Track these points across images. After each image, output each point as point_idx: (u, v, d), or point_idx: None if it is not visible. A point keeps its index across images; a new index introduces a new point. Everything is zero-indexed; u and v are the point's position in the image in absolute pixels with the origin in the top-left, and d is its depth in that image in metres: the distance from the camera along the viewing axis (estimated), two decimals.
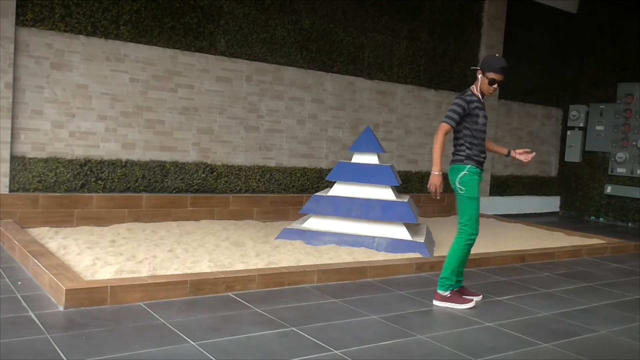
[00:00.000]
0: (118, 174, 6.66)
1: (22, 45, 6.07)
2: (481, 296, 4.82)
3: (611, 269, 6.59)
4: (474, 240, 4.60)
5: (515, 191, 10.77)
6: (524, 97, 10.77)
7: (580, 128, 11.14)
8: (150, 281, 4.20)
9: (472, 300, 4.63)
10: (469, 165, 4.54)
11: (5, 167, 6.03)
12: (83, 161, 6.46)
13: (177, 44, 6.94)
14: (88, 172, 6.49)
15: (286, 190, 7.90)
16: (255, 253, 5.52)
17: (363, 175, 6.34)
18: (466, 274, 5.76)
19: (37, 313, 3.74)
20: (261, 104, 7.68)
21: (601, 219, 10.88)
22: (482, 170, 4.63)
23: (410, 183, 9.12)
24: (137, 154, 6.83)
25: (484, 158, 4.65)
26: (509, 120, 10.62)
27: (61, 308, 3.85)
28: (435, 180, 4.53)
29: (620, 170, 10.52)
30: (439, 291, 4.61)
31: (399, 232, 6.16)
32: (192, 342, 3.44)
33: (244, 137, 7.58)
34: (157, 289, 4.17)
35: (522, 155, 4.85)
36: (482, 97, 4.63)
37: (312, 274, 4.94)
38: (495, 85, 4.55)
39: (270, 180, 7.76)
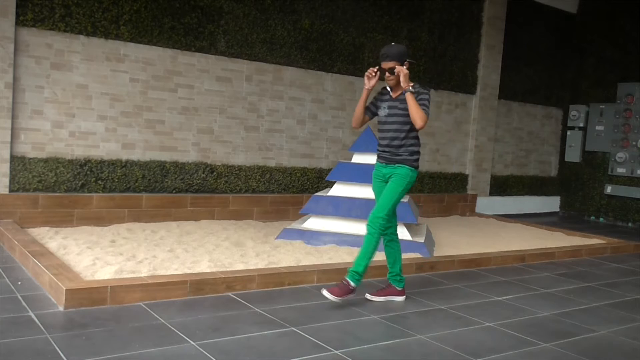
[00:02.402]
0: (118, 174, 6.66)
1: (22, 45, 6.07)
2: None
3: (611, 269, 6.59)
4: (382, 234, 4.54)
5: (515, 191, 10.77)
6: (524, 97, 10.77)
7: (580, 128, 11.14)
8: (150, 281, 4.20)
9: (380, 297, 4.60)
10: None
11: (5, 167, 6.03)
12: (83, 161, 6.45)
13: (177, 44, 6.94)
14: (88, 172, 6.49)
15: (286, 190, 7.90)
16: (255, 253, 5.52)
17: (363, 175, 6.33)
18: (467, 273, 5.78)
19: (37, 313, 3.74)
20: (261, 104, 7.68)
21: (601, 219, 10.88)
22: (384, 164, 4.50)
23: None
24: (137, 154, 6.83)
25: (382, 150, 4.50)
26: (509, 120, 10.62)
27: (61, 308, 3.85)
28: None
29: (620, 170, 10.52)
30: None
31: (399, 232, 6.12)
32: (192, 342, 3.44)
33: (244, 137, 7.58)
34: (157, 289, 4.17)
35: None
36: (396, 89, 4.45)
37: (312, 274, 4.94)
38: (387, 74, 4.36)
39: (270, 180, 7.76)
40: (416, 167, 4.49)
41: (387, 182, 4.52)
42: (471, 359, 3.53)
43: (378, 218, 4.41)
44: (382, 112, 4.50)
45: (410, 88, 4.31)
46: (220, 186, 7.37)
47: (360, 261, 4.40)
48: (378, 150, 4.57)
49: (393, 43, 4.51)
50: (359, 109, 4.54)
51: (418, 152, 4.48)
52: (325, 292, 4.32)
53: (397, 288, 4.63)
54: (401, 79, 4.30)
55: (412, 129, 4.41)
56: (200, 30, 7.07)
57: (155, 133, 6.93)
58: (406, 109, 4.36)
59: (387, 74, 4.37)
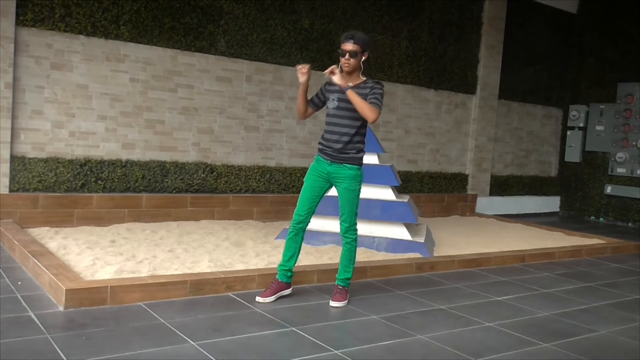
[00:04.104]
0: (118, 174, 6.66)
1: (22, 45, 6.07)
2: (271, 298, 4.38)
3: (611, 269, 6.59)
4: (292, 225, 4.38)
5: (515, 191, 10.77)
6: (524, 97, 10.77)
7: (580, 128, 11.14)
8: (150, 281, 4.20)
9: (270, 297, 4.35)
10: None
11: (5, 167, 6.03)
12: (83, 161, 6.45)
13: (177, 44, 6.94)
14: (88, 172, 6.49)
15: (286, 190, 7.90)
16: (255, 253, 5.52)
17: (363, 175, 6.32)
18: (467, 273, 5.78)
19: (37, 313, 3.74)
20: (261, 104, 7.68)
21: (601, 219, 10.88)
22: (329, 161, 4.32)
23: (410, 183, 9.13)
24: (137, 154, 6.83)
25: (328, 146, 4.31)
26: (509, 120, 10.62)
27: (61, 308, 3.85)
28: None
29: (620, 170, 10.52)
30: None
31: (399, 232, 6.16)
32: (192, 342, 3.44)
33: (244, 137, 7.58)
34: (157, 289, 4.17)
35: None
36: (347, 80, 4.25)
37: (312, 274, 4.94)
38: (347, 56, 4.18)
39: (270, 180, 7.76)
40: (362, 164, 4.39)
41: (328, 181, 4.38)
42: (471, 359, 3.53)
43: (352, 226, 4.43)
44: (331, 104, 4.30)
45: (350, 84, 4.18)
46: (220, 186, 7.37)
47: (348, 267, 4.48)
48: (322, 145, 4.35)
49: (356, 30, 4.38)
50: (300, 102, 4.36)
51: (363, 150, 4.39)
52: (334, 304, 4.38)
53: (284, 282, 4.46)
54: (335, 80, 4.13)
55: (362, 125, 4.30)
56: (200, 30, 7.07)
57: (155, 133, 6.93)
58: None
59: (347, 55, 4.18)
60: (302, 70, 4.24)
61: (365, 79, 4.31)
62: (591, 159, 11.04)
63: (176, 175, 7.04)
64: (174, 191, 7.04)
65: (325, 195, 4.51)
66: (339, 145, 4.29)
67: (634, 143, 10.33)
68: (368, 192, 6.34)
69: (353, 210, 4.40)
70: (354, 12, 8.31)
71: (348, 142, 4.28)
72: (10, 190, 6.09)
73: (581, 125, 11.08)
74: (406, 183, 9.02)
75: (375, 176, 6.31)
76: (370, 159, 6.44)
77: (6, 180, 6.04)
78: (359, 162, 4.36)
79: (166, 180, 6.98)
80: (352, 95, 4.14)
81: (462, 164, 9.93)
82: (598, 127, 10.88)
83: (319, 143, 4.42)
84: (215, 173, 7.32)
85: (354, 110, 4.21)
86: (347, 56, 4.20)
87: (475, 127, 9.90)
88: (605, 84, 10.85)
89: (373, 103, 4.16)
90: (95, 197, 6.42)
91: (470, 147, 9.93)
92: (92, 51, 6.46)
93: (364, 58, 4.26)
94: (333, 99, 4.31)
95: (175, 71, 7.00)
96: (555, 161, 11.56)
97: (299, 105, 4.42)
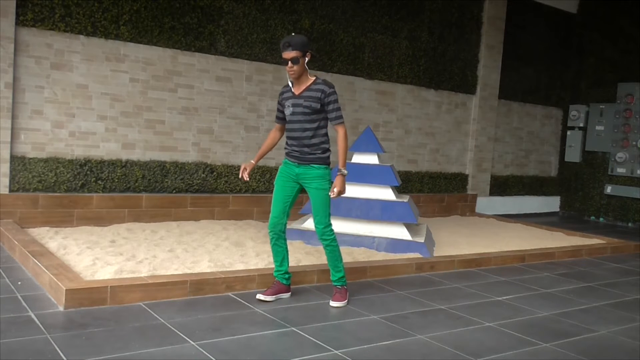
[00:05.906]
0: (118, 174, 6.66)
1: (22, 45, 6.07)
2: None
3: (611, 269, 6.59)
4: (270, 230, 4.38)
5: (515, 191, 10.77)
6: (524, 97, 10.77)
7: (580, 128, 11.14)
8: (150, 281, 4.20)
9: (270, 296, 4.39)
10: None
11: (5, 167, 6.03)
12: (83, 161, 6.45)
13: (177, 44, 6.94)
14: (88, 172, 6.49)
15: None
16: (255, 253, 5.52)
17: (363, 175, 6.34)
18: (467, 273, 5.78)
19: (37, 313, 3.74)
20: (261, 104, 7.68)
21: (601, 219, 10.88)
22: (296, 163, 4.36)
23: (410, 183, 9.13)
24: (137, 154, 6.83)
25: (292, 150, 4.36)
26: (508, 120, 10.62)
27: (61, 308, 3.85)
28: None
29: (620, 170, 10.52)
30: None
31: (399, 232, 6.16)
32: (192, 342, 3.44)
33: (244, 137, 7.58)
34: (157, 289, 4.17)
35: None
36: (298, 84, 4.32)
37: (312, 274, 4.94)
38: (289, 64, 4.19)
39: (270, 180, 7.76)
40: (329, 163, 4.41)
41: (297, 182, 4.39)
42: (471, 359, 3.53)
43: (328, 227, 4.38)
44: (287, 110, 4.35)
45: (343, 170, 4.31)
46: (220, 186, 7.38)
47: (338, 267, 4.46)
48: (287, 148, 4.42)
49: (293, 34, 4.39)
50: (267, 148, 4.57)
51: (329, 149, 4.41)
52: (334, 304, 4.39)
53: (285, 285, 4.50)
54: (340, 184, 4.26)
55: (320, 126, 4.33)
56: (200, 30, 7.07)
57: (155, 133, 6.93)
58: (310, 107, 4.26)
59: (289, 64, 4.19)
60: (243, 178, 4.44)
61: (314, 78, 4.34)
62: (591, 159, 11.04)
63: (176, 175, 7.04)
64: (174, 191, 7.04)
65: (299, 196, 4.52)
66: (301, 148, 4.34)
67: (634, 143, 10.33)
68: (368, 192, 6.35)
69: (326, 210, 4.38)
70: (354, 12, 8.31)
71: (311, 145, 4.33)
72: (10, 190, 6.09)
73: (581, 125, 11.08)
74: (406, 183, 9.02)
75: (375, 176, 6.31)
76: (370, 159, 6.45)
77: (6, 180, 6.04)
78: (325, 161, 4.38)
79: (166, 180, 6.98)
80: (343, 167, 4.33)
81: (462, 164, 9.93)
82: (598, 127, 10.88)
83: (285, 148, 4.46)
84: (215, 173, 7.32)
85: (308, 114, 4.29)
86: (289, 64, 4.22)
87: (475, 127, 9.90)
88: (605, 84, 10.85)
89: (336, 118, 4.32)
90: (95, 197, 6.42)
91: (470, 147, 9.93)
92: (92, 51, 6.46)
93: (307, 59, 4.26)
94: (288, 106, 4.36)
95: (175, 71, 7.00)
96: (555, 161, 11.56)
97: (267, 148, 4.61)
